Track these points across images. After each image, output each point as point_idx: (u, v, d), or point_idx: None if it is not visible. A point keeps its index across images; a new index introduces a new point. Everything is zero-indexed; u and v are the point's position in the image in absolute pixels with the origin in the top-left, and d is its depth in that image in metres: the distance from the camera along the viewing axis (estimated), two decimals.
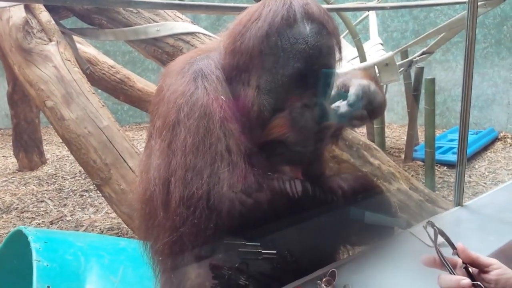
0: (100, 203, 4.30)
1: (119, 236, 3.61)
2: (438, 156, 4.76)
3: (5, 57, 3.62)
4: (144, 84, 4.84)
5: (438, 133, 5.77)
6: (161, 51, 3.23)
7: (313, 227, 1.34)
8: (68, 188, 4.82)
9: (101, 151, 2.93)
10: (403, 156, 5.21)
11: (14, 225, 3.90)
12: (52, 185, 4.93)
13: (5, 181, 5.11)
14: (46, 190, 4.76)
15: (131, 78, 4.81)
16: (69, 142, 3.04)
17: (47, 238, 2.05)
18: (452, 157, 4.88)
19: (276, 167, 1.31)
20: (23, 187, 4.88)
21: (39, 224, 3.95)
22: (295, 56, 1.26)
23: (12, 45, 3.34)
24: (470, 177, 4.64)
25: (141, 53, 3.57)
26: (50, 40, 3.35)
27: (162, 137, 1.26)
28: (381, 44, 4.68)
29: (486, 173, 4.78)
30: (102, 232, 3.77)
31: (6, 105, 5.38)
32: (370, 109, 1.41)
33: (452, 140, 5.56)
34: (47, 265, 1.89)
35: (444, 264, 1.06)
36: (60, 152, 6.08)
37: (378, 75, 3.85)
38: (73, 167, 5.41)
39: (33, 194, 4.65)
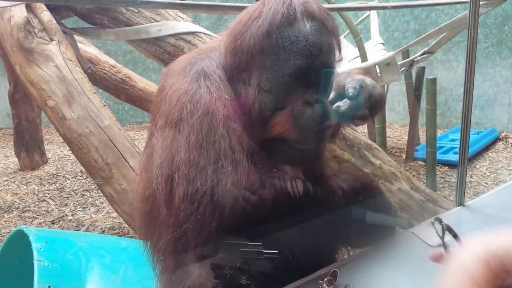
0: (101, 202, 4.30)
1: (120, 235, 3.62)
2: (439, 156, 4.76)
3: (6, 57, 3.62)
4: (145, 83, 4.84)
5: (439, 133, 5.77)
6: (162, 50, 3.23)
7: (315, 227, 1.34)
8: (69, 187, 4.83)
9: (102, 151, 2.93)
10: (404, 156, 5.21)
11: (16, 225, 3.91)
12: (53, 184, 4.93)
13: (7, 180, 5.12)
14: (47, 190, 4.77)
15: (132, 77, 4.81)
16: (70, 142, 3.04)
17: (48, 238, 2.05)
18: (453, 157, 4.88)
19: (278, 166, 1.31)
20: (25, 187, 4.89)
21: (40, 223, 3.96)
22: (296, 54, 1.27)
23: (14, 45, 3.35)
24: (471, 177, 4.63)
25: (142, 52, 3.57)
26: (52, 40, 3.35)
27: (164, 135, 1.26)
28: (382, 43, 4.68)
29: (488, 173, 4.78)
30: (103, 231, 3.77)
31: (8, 105, 5.39)
32: (371, 102, 1.41)
33: (453, 140, 5.56)
34: (48, 265, 1.89)
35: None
36: (61, 151, 6.09)
37: (379, 74, 3.85)
38: (74, 167, 5.41)
39: (34, 194, 4.66)
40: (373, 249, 1.50)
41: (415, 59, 4.26)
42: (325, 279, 1.32)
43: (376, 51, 4.47)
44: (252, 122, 1.31)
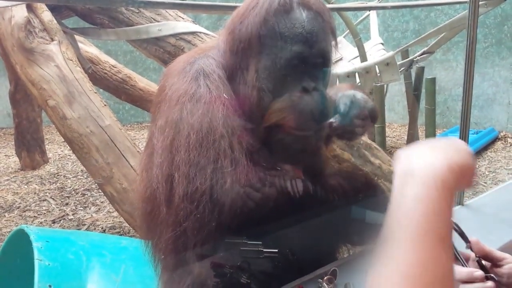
0: (102, 202, 4.31)
1: (120, 235, 3.63)
2: None
3: (7, 57, 3.63)
4: (145, 83, 4.85)
5: (438, 132, 5.78)
6: (163, 50, 3.24)
7: (314, 226, 1.35)
8: (70, 187, 4.83)
9: (103, 150, 2.94)
10: None
11: (16, 224, 3.92)
12: (54, 184, 4.94)
13: (7, 180, 5.13)
14: (48, 189, 4.77)
15: (133, 77, 4.82)
16: (71, 141, 3.05)
17: (49, 237, 2.06)
18: None
19: (279, 164, 1.32)
20: (25, 186, 4.90)
21: (41, 223, 3.96)
22: (293, 40, 1.29)
23: (14, 45, 3.36)
24: None
25: (142, 52, 3.58)
26: (52, 40, 3.36)
27: (165, 135, 1.27)
28: (382, 43, 4.69)
29: (487, 173, 4.79)
30: (104, 231, 3.78)
31: (8, 104, 5.40)
32: (363, 117, 1.41)
33: None
34: (49, 264, 1.89)
35: (457, 257, 1.06)
36: (62, 151, 6.10)
37: (379, 74, 3.86)
38: (75, 166, 5.42)
39: (35, 193, 4.67)
40: (373, 248, 1.50)
41: (414, 59, 4.28)
42: (325, 278, 1.33)
43: (376, 51, 4.48)
44: (252, 117, 1.32)
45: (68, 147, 3.28)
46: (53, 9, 3.56)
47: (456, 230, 1.11)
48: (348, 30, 4.58)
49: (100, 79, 4.55)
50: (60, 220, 4.02)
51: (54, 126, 3.22)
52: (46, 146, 5.82)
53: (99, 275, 2.01)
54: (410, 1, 4.56)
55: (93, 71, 4.15)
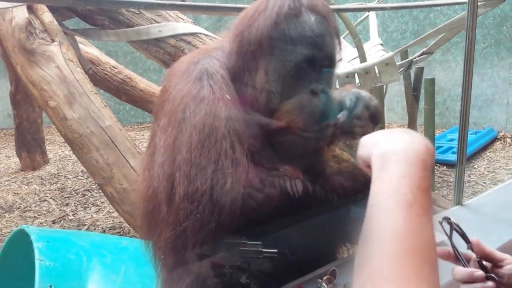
0: (102, 202, 4.31)
1: (121, 235, 3.63)
2: (438, 156, 4.78)
3: (8, 58, 3.64)
4: (146, 84, 4.86)
5: (437, 132, 5.78)
6: (163, 51, 3.25)
7: (314, 226, 1.35)
8: (70, 187, 4.84)
9: (103, 151, 2.94)
10: None
11: (17, 224, 3.92)
12: (54, 184, 4.95)
13: (8, 180, 5.13)
14: (49, 190, 4.78)
15: (133, 78, 4.83)
16: (71, 142, 3.06)
17: (50, 238, 2.06)
18: (451, 157, 4.89)
19: (280, 164, 1.33)
20: (26, 187, 4.90)
21: (41, 223, 3.97)
22: (303, 44, 1.31)
23: (15, 46, 3.36)
24: (469, 176, 4.65)
25: (143, 53, 3.59)
26: (53, 41, 3.37)
27: (167, 134, 1.28)
28: (381, 44, 4.69)
29: (486, 173, 4.80)
30: (104, 231, 3.78)
31: (9, 105, 5.40)
32: (368, 114, 1.43)
33: (451, 140, 5.57)
34: (50, 264, 1.90)
35: (458, 258, 1.07)
36: (62, 151, 6.10)
37: (378, 75, 3.87)
38: (75, 167, 5.43)
39: (35, 194, 4.67)
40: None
41: (413, 60, 4.28)
42: (324, 277, 1.33)
43: (375, 52, 4.48)
44: (257, 118, 1.33)
45: (69, 147, 3.28)
46: (53, 10, 3.57)
47: (457, 231, 1.11)
48: (347, 31, 4.58)
49: (100, 80, 4.55)
50: (60, 221, 4.03)
51: (54, 126, 3.23)
52: (47, 146, 5.82)
53: (100, 275, 2.01)
54: (409, 2, 4.57)
55: (94, 72, 4.15)
